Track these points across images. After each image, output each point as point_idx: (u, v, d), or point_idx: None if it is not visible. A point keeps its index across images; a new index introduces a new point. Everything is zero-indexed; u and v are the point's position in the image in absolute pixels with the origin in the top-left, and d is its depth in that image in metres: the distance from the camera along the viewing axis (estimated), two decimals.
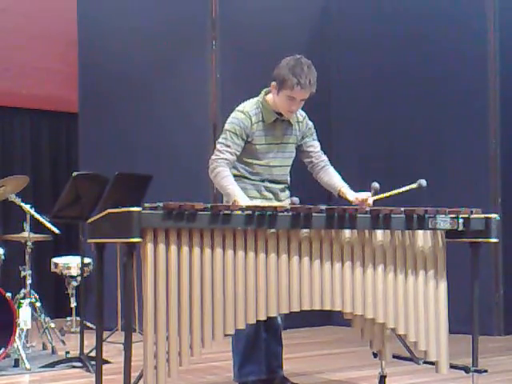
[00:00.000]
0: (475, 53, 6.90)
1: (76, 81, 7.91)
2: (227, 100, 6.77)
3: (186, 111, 7.17)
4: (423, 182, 4.13)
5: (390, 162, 7.16)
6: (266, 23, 7.25)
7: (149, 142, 7.30)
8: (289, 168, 4.40)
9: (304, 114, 4.43)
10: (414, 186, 4.11)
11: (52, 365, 5.31)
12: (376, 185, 4.18)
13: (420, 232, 4.03)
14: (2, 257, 5.72)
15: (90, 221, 3.67)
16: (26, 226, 5.82)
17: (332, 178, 4.38)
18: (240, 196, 4.01)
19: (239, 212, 3.60)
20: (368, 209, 3.89)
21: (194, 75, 7.14)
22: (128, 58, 7.45)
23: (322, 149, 4.53)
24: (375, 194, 4.19)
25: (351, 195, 4.25)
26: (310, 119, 4.48)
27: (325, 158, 4.47)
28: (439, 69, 7.04)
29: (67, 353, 5.48)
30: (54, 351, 5.79)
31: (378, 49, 7.40)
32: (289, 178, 4.42)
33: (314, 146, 4.45)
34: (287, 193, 4.39)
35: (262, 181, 4.27)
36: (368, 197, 4.17)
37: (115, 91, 7.54)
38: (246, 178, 4.26)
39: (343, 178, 4.44)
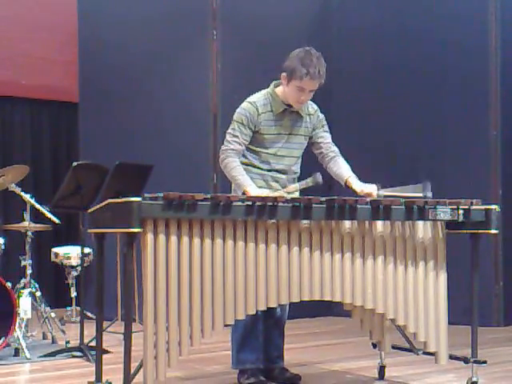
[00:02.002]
0: (476, 45, 6.88)
1: (76, 71, 7.90)
2: (228, 91, 6.76)
3: (186, 102, 7.15)
4: (429, 191, 4.05)
5: (391, 154, 7.16)
6: (267, 13, 7.23)
7: (149, 132, 7.29)
8: (298, 159, 4.37)
9: (316, 107, 4.44)
10: (419, 194, 4.04)
11: (52, 354, 5.31)
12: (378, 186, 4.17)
13: (420, 223, 4.04)
14: (2, 246, 5.71)
15: (90, 211, 3.67)
16: (26, 216, 5.81)
17: (340, 168, 4.35)
18: (250, 186, 4.04)
19: (239, 202, 3.60)
20: (368, 200, 3.90)
21: (195, 66, 7.12)
22: (128, 48, 7.43)
23: None
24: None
25: (358, 186, 4.23)
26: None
27: (335, 148, 4.44)
28: (440, 60, 7.02)
29: (67, 342, 5.49)
30: (54, 341, 5.79)
31: (380, 40, 7.38)
32: (299, 170, 4.39)
33: (325, 137, 4.43)
34: (297, 185, 4.29)
35: (270, 170, 4.26)
36: (373, 191, 4.15)
37: (115, 81, 7.52)
38: (254, 166, 4.25)
39: None
